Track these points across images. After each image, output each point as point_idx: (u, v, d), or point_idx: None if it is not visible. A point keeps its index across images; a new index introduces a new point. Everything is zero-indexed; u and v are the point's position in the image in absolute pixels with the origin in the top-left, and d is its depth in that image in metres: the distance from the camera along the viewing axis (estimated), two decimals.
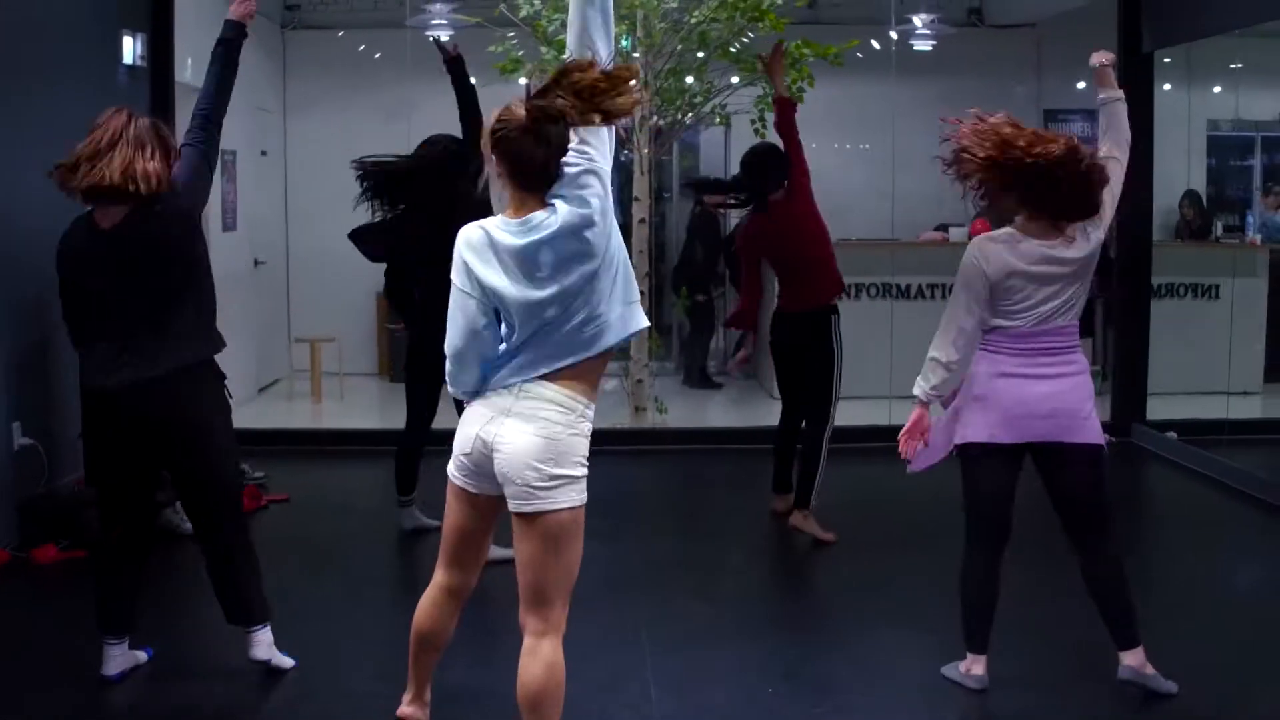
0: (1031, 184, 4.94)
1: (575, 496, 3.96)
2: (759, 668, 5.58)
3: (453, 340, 4.01)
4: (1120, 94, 5.33)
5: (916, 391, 5.25)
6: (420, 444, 7.68)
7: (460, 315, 3.99)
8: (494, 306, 3.96)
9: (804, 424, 7.72)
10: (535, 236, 3.90)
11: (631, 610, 6.24)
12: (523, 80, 10.16)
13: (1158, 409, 10.60)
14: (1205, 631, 6.05)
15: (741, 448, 9.69)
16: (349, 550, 7.57)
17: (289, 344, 13.20)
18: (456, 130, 7.63)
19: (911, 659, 5.63)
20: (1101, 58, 5.33)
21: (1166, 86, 11.58)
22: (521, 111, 3.88)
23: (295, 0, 13.49)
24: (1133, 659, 5.15)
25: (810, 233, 7.59)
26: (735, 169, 13.42)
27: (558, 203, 3.93)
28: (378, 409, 12.45)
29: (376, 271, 12.73)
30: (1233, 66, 11.68)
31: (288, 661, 5.51)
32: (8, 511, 7.40)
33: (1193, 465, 9.46)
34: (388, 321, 12.96)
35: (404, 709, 4.50)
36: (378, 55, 13.21)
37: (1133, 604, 5.15)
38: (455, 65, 7.50)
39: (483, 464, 4.03)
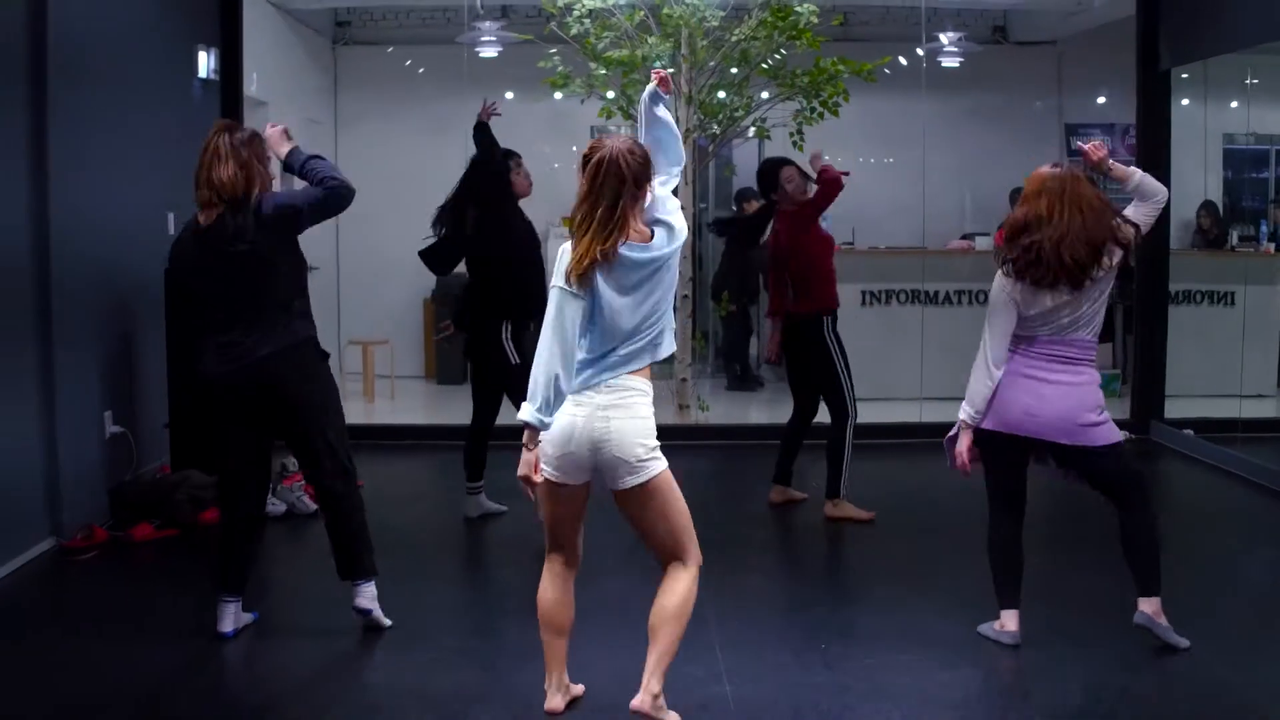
0: None
1: (664, 458, 4.65)
2: (812, 630, 6.10)
3: (555, 348, 4.52)
4: (1135, 171, 5.79)
5: (964, 417, 5.82)
6: (488, 433, 8.16)
7: (565, 319, 4.52)
8: (592, 311, 4.56)
9: (830, 421, 8.27)
10: (651, 254, 4.56)
11: None
12: (558, 95, 10.74)
13: (1176, 410, 11.05)
14: (1219, 603, 6.56)
15: (776, 442, 10.19)
16: (418, 532, 8.08)
17: (339, 347, 13.68)
18: (501, 140, 8.19)
19: (948, 622, 6.14)
20: (1098, 152, 5.78)
21: (1185, 102, 12.00)
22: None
23: (347, 17, 13.98)
24: (1148, 605, 5.70)
25: (809, 251, 8.16)
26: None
27: (659, 230, 4.57)
28: (426, 408, 12.96)
29: (425, 278, 13.32)
30: (1248, 82, 12.03)
31: (386, 620, 6.06)
32: (100, 495, 7.92)
33: (1209, 460, 9.95)
34: (435, 333, 13.45)
35: (551, 701, 4.99)
36: (421, 70, 13.80)
37: (1156, 559, 5.70)
38: (481, 127, 8.11)
39: (582, 459, 4.65)
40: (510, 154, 8.10)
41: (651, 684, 4.62)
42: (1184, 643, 5.68)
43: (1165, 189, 5.74)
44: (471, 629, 6.30)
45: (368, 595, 6.07)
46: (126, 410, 8.39)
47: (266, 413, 5.87)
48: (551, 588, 4.89)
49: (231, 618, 5.96)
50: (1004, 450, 5.80)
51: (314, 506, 8.19)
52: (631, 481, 4.62)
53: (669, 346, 4.72)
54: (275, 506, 8.11)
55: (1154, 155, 11.04)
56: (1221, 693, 5.34)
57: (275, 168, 6.07)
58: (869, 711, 5.10)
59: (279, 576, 7.12)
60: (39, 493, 7.33)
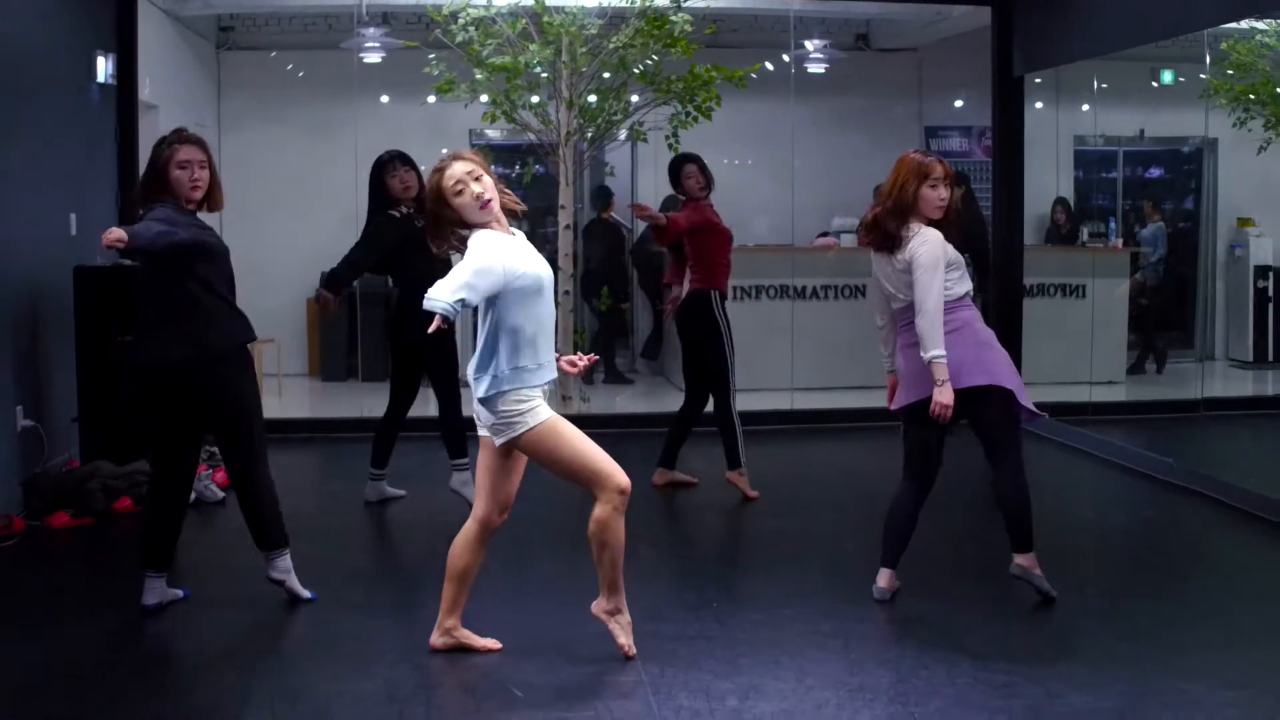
0: None
1: (529, 421, 5.47)
2: (703, 592, 6.62)
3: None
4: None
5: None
6: (400, 424, 8.61)
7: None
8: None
9: (714, 400, 8.95)
10: None
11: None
12: (430, 99, 11.12)
13: (1033, 396, 11.61)
14: (1079, 559, 7.20)
15: (650, 430, 10.64)
16: (320, 515, 8.45)
17: None
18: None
19: (831, 581, 6.70)
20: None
21: (1039, 105, 12.66)
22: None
23: (230, 23, 14.26)
24: (1024, 560, 6.37)
25: (703, 238, 8.93)
26: (642, 179, 14.49)
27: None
28: (311, 404, 13.29)
29: (307, 278, 13.70)
30: (1098, 87, 12.64)
31: (306, 593, 6.49)
32: (13, 486, 8.21)
33: (1064, 440, 10.61)
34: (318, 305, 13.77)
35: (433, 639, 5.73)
36: (302, 75, 14.10)
37: (1028, 516, 6.34)
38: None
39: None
40: (391, 159, 8.41)
41: (601, 594, 5.63)
42: (1052, 591, 6.34)
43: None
44: (387, 593, 6.76)
45: (282, 567, 6.50)
46: (36, 405, 8.67)
47: (212, 400, 6.28)
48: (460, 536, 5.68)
49: (156, 591, 6.34)
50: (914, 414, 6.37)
51: (221, 494, 8.57)
52: (499, 441, 5.43)
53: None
54: (207, 492, 8.51)
55: (1008, 156, 11.70)
56: (1079, 635, 5.94)
57: None
58: (760, 659, 5.61)
59: (196, 558, 7.46)
60: None
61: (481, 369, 5.39)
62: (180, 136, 6.28)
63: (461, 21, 10.73)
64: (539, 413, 5.38)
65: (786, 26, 13.26)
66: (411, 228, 7.98)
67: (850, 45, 14.87)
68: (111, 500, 8.25)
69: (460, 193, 5.40)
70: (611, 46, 10.91)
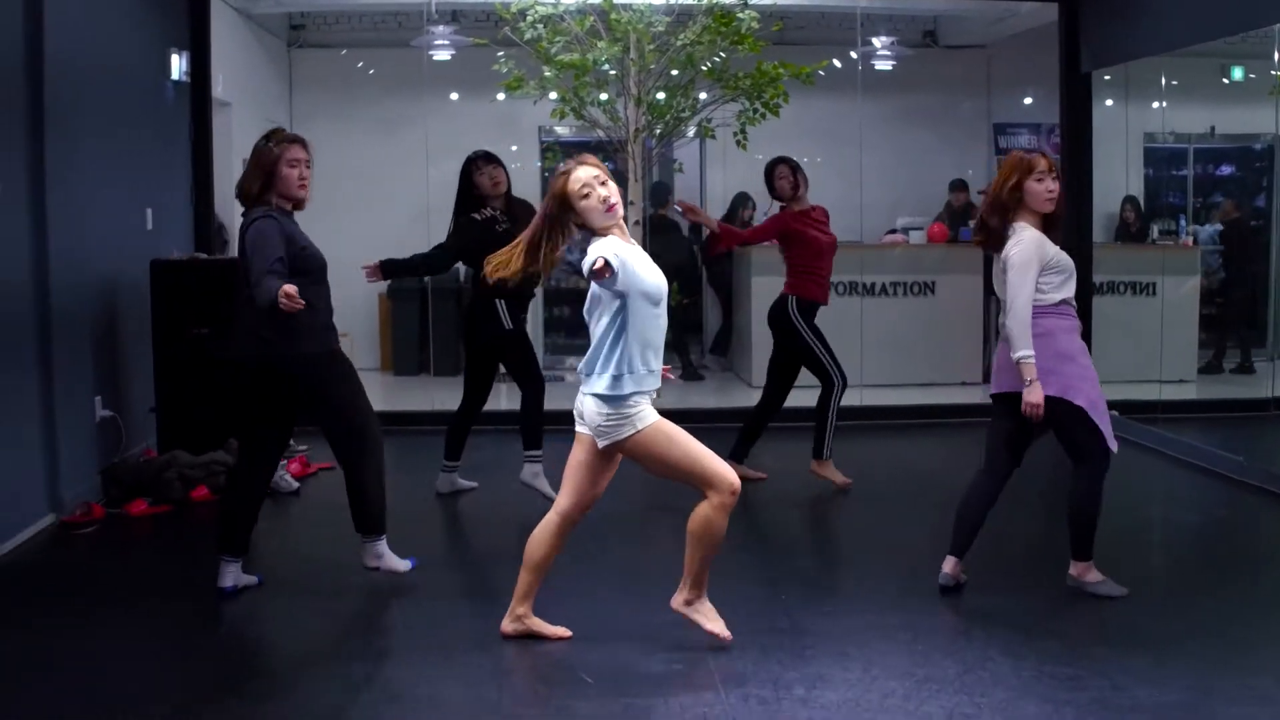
0: None
1: (636, 424, 5.51)
2: (776, 584, 6.68)
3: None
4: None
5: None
6: (474, 417, 8.73)
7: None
8: None
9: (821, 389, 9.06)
10: None
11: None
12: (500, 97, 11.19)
13: (1104, 393, 11.63)
14: (1148, 555, 7.21)
15: (720, 426, 10.66)
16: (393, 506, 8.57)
17: None
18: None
19: (900, 576, 6.74)
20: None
21: (1109, 103, 12.63)
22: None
23: (301, 21, 14.42)
24: (1076, 569, 6.44)
25: (789, 244, 9.09)
26: (711, 176, 14.55)
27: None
28: (383, 398, 13.41)
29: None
30: (1170, 83, 12.57)
31: (403, 565, 6.72)
32: (92, 475, 8.38)
33: (1133, 438, 10.57)
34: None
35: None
36: (372, 72, 14.23)
37: (1091, 526, 6.40)
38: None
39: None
40: (479, 157, 8.55)
41: (684, 587, 5.67)
42: (1119, 590, 6.36)
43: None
44: (458, 581, 6.86)
45: (374, 553, 6.65)
46: (114, 396, 8.83)
47: (305, 397, 6.50)
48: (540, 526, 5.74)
49: (232, 575, 6.46)
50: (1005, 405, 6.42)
51: (296, 485, 8.72)
52: (603, 442, 5.47)
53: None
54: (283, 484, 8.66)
55: (1076, 154, 11.68)
56: (1145, 630, 5.96)
57: None
58: (828, 650, 5.66)
59: (270, 546, 7.58)
60: (39, 472, 7.77)
61: (603, 367, 5.43)
62: (287, 136, 6.44)
63: (530, 19, 10.81)
64: (647, 415, 5.45)
65: (853, 24, 13.30)
66: (492, 230, 8.13)
67: (918, 42, 14.86)
68: (188, 489, 8.40)
69: (587, 196, 5.43)
70: (679, 44, 10.96)
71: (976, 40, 15.00)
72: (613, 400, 5.41)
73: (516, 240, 5.53)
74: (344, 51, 14.44)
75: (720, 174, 14.51)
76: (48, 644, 5.78)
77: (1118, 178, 13.58)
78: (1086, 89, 11.75)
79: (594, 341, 5.49)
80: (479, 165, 8.45)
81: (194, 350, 8.92)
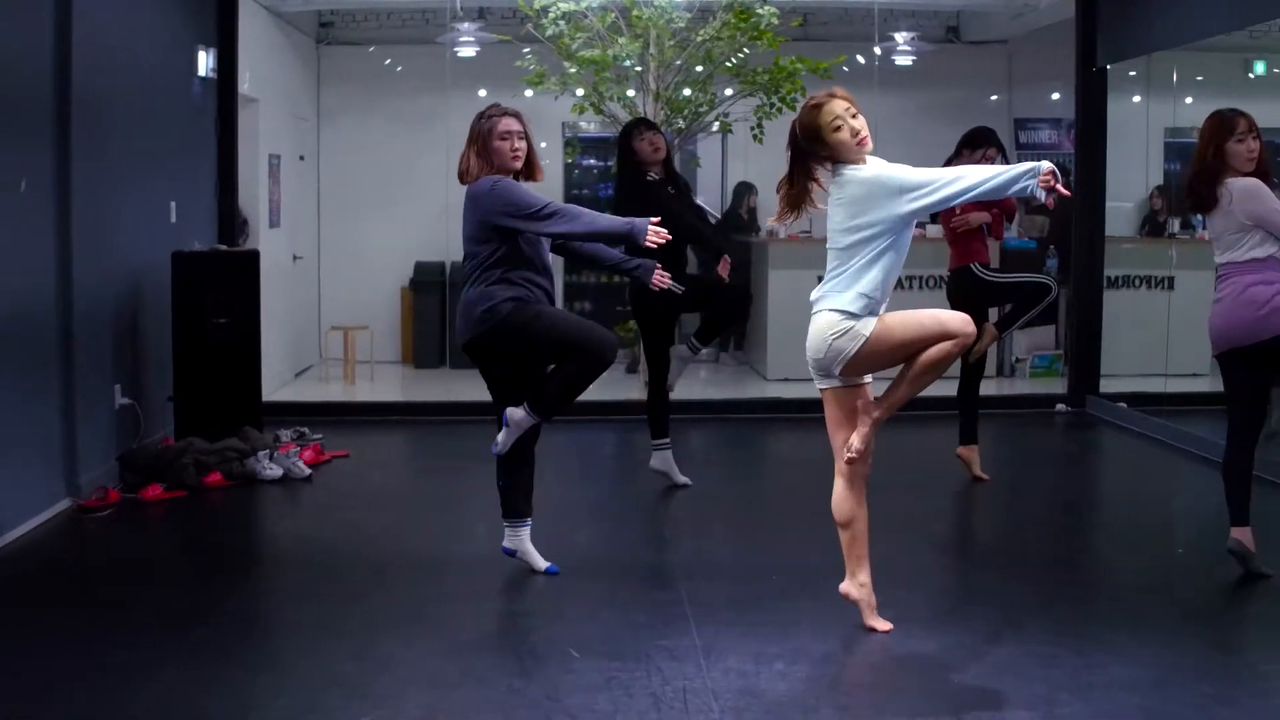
0: None
1: (861, 331, 5.49)
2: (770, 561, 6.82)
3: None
4: None
5: None
6: (663, 389, 8.51)
7: None
8: None
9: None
10: None
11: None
12: (528, 93, 11.32)
13: (1113, 385, 11.72)
14: (1145, 544, 7.33)
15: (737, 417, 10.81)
16: (399, 495, 8.77)
17: (320, 333, 14.25)
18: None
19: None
20: None
21: (1135, 99, 12.70)
22: None
23: (330, 18, 14.60)
24: (1238, 533, 6.45)
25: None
26: (731, 170, 14.66)
27: None
28: (404, 391, 13.61)
29: (404, 267, 13.99)
30: (1194, 79, 12.57)
31: (543, 564, 6.68)
32: (110, 461, 8.57)
33: (1140, 429, 10.65)
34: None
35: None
36: (400, 69, 14.41)
37: (1247, 491, 6.45)
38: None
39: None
40: (638, 124, 8.56)
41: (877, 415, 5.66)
42: (1269, 571, 6.42)
43: None
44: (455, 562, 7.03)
45: (515, 537, 6.75)
46: (134, 384, 9.03)
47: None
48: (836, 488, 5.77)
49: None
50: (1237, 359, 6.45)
51: (308, 471, 8.88)
52: (837, 367, 5.53)
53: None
54: (272, 470, 8.78)
55: (1091, 149, 11.74)
56: (1130, 612, 6.07)
57: None
58: (814, 628, 5.80)
59: (282, 529, 7.77)
60: (57, 457, 7.96)
61: (848, 285, 5.47)
62: (500, 109, 6.49)
63: (552, 15, 10.99)
64: (870, 323, 5.44)
65: (874, 19, 13.40)
66: (664, 193, 8.13)
67: (940, 38, 14.92)
68: (203, 475, 8.56)
69: (839, 129, 5.44)
70: (699, 40, 11.10)
71: (998, 35, 15.01)
72: (849, 316, 5.43)
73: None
74: (371, 49, 14.61)
75: (741, 168, 14.62)
76: (57, 621, 5.96)
77: (1137, 173, 13.63)
78: (1102, 83, 11.78)
79: (839, 262, 5.52)
80: (640, 132, 8.33)
81: (213, 339, 9.12)
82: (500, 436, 6.51)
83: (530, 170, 6.53)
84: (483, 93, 13.92)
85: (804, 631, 5.74)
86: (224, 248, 9.99)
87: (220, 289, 9.17)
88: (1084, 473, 10.05)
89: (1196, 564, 7.00)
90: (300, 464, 8.92)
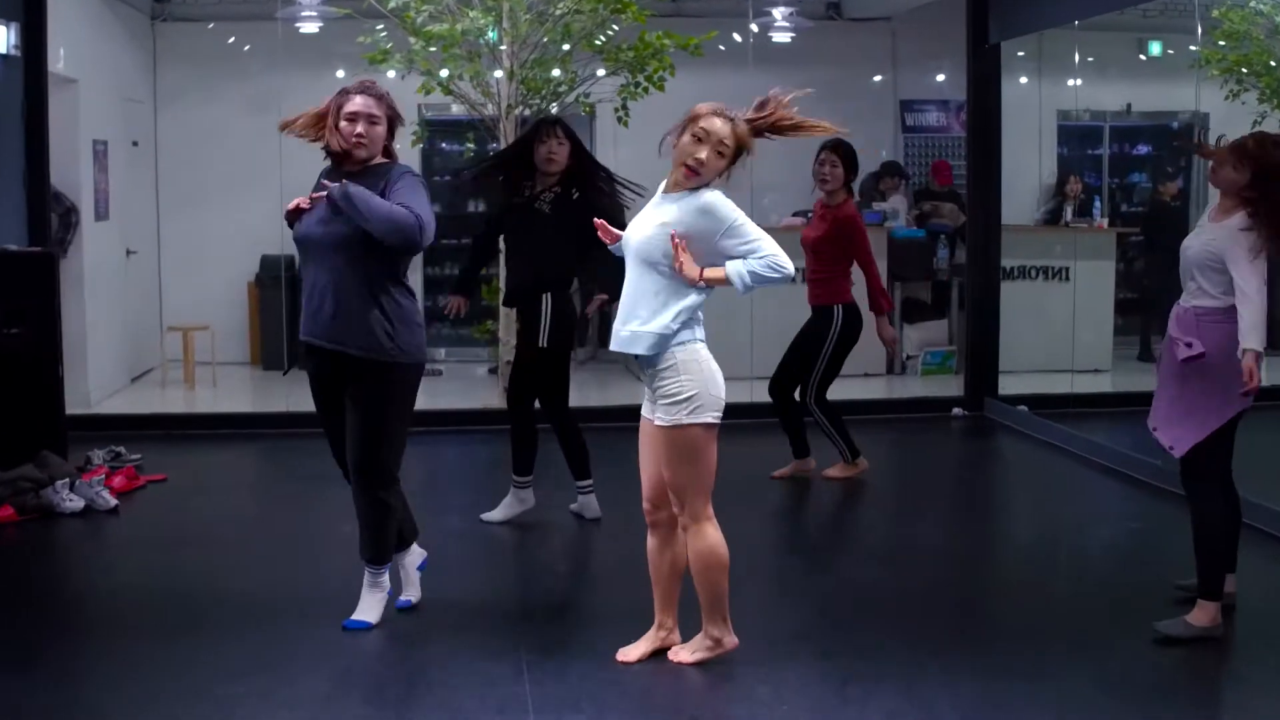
0: None
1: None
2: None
3: None
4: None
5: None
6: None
7: None
8: None
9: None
10: None
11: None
12: (391, 73, 10.38)
13: (1012, 386, 11.04)
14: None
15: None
16: (220, 529, 7.76)
17: (161, 333, 13.24)
18: None
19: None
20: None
21: (1022, 79, 12.05)
22: None
23: None
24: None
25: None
26: (601, 155, 13.76)
27: None
28: (251, 395, 12.63)
29: (249, 261, 13.02)
30: (1084, 59, 12.10)
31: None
32: None
33: (1042, 436, 9.91)
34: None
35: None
36: (247, 48, 13.33)
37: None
38: None
39: None
40: (540, 126, 7.54)
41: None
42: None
43: None
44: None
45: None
46: None
47: None
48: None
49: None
50: None
51: (114, 502, 7.85)
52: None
53: None
54: (72, 502, 7.73)
55: (984, 131, 11.02)
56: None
57: None
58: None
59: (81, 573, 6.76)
60: None
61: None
62: (359, 85, 5.65)
63: None
64: None
65: None
66: (533, 219, 7.35)
67: (820, 14, 14.12)
68: None
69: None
70: (558, 13, 10.17)
71: (881, 13, 14.23)
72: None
73: None
74: (211, 25, 13.51)
75: (611, 153, 13.70)
76: None
77: (1029, 157, 13.03)
78: (995, 62, 11.06)
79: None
80: (542, 135, 7.38)
81: (3, 352, 8.09)
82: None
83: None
84: (340, 73, 12.92)
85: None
86: (12, 248, 8.82)
87: (10, 295, 8.11)
88: (982, 489, 9.29)
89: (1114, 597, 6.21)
90: (105, 494, 7.86)
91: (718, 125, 4.97)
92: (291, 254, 12.79)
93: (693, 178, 4.98)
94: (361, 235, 5.40)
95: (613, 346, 5.10)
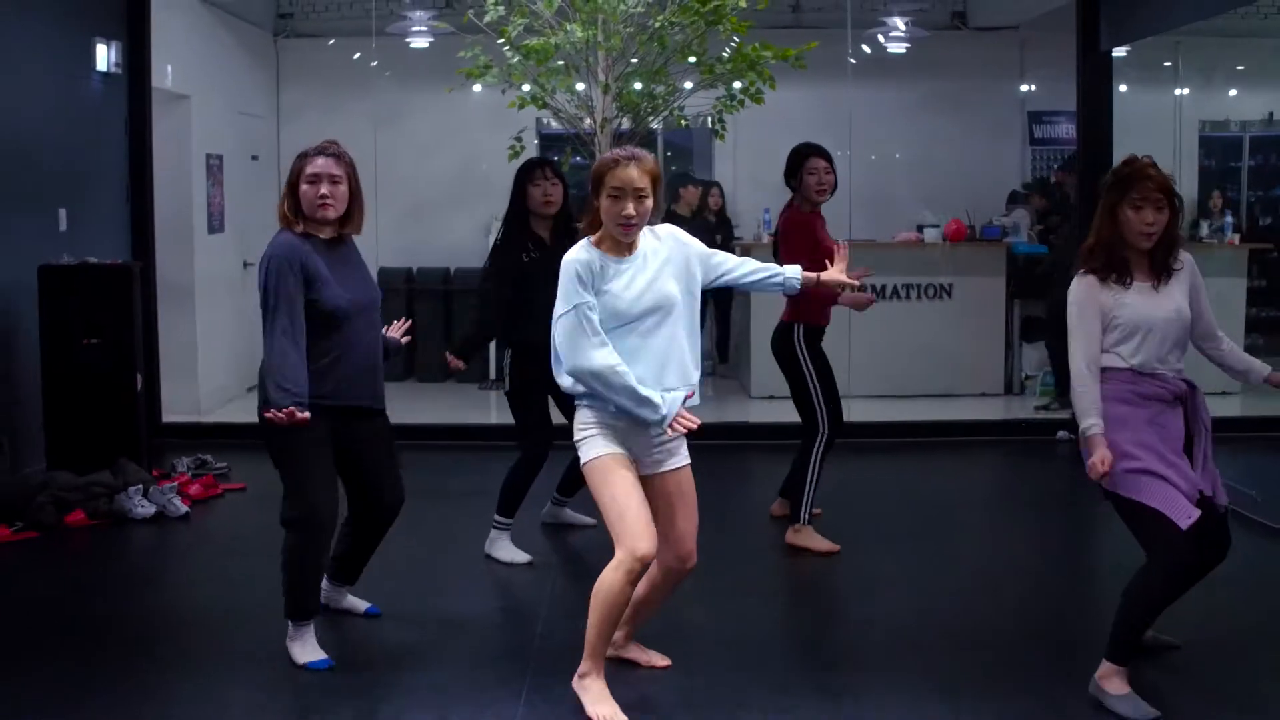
0: None
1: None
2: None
3: None
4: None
5: None
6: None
7: None
8: None
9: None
10: None
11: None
12: (478, 87, 10.36)
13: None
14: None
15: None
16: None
17: None
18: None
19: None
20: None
21: (1178, 90, 11.76)
22: None
23: (288, 9, 13.71)
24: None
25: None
26: (718, 170, 13.70)
27: None
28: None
29: (377, 273, 13.05)
30: (1236, 68, 11.79)
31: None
32: None
33: None
34: None
35: None
36: (374, 63, 13.43)
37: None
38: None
39: None
40: (533, 165, 7.25)
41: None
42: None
43: None
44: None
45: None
46: (4, 414, 8.19)
47: None
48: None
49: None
50: None
51: (185, 509, 7.94)
52: None
53: None
54: (144, 508, 7.84)
55: (1094, 141, 10.63)
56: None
57: None
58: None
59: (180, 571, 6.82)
60: None
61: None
62: (319, 147, 5.59)
63: (492, 1, 9.95)
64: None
65: (874, 4, 12.42)
66: (536, 274, 6.84)
67: (945, 23, 13.82)
68: (64, 514, 7.65)
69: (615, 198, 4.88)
70: (655, 25, 10.03)
71: (1009, 20, 13.84)
72: None
73: None
74: (331, 41, 13.66)
75: (730, 166, 13.57)
76: None
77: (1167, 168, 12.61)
78: (1107, 68, 10.68)
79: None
80: (535, 176, 7.13)
81: (83, 362, 8.22)
82: None
83: (349, 219, 5.63)
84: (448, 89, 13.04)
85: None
86: (94, 260, 8.92)
87: (90, 307, 8.25)
88: (1074, 517, 8.79)
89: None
90: (176, 501, 7.97)
91: (631, 174, 4.79)
92: (410, 266, 13.03)
93: (631, 231, 4.81)
94: None
95: (686, 408, 4.91)
